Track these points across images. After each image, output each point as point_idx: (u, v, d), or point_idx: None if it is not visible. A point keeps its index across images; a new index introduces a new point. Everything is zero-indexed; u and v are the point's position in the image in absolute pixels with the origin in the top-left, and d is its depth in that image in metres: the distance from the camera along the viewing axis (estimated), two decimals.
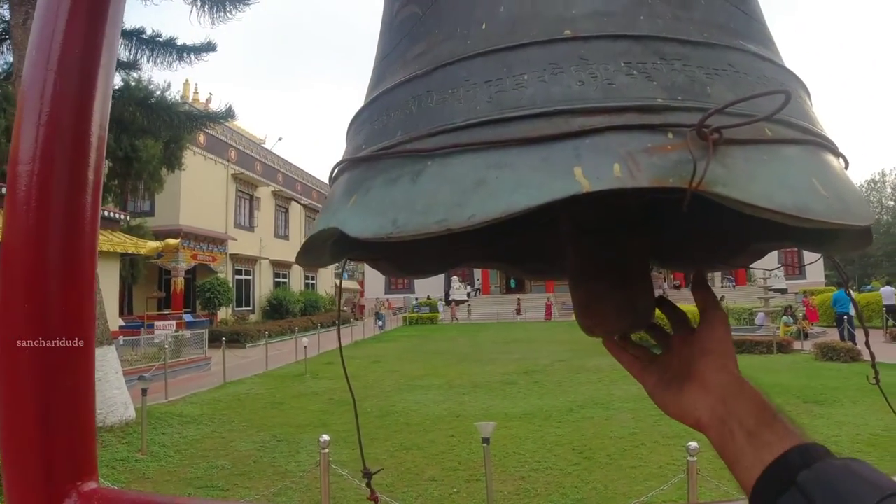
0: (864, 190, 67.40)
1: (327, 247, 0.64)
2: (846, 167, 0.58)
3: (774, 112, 0.42)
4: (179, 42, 9.77)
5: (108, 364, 7.85)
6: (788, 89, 0.45)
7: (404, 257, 0.81)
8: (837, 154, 0.55)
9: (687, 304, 0.78)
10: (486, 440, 4.56)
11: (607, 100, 0.43)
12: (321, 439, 3.75)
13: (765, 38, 0.57)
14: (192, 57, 10.19)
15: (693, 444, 3.42)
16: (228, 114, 11.22)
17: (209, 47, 10.18)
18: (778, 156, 0.44)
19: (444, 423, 8.18)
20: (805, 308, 21.45)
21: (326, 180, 0.67)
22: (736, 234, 0.73)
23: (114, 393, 7.79)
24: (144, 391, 6.92)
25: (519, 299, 39.32)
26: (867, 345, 0.85)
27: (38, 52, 1.06)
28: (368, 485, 0.81)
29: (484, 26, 0.51)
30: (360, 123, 0.61)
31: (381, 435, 7.60)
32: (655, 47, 0.46)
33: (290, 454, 6.81)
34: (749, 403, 0.55)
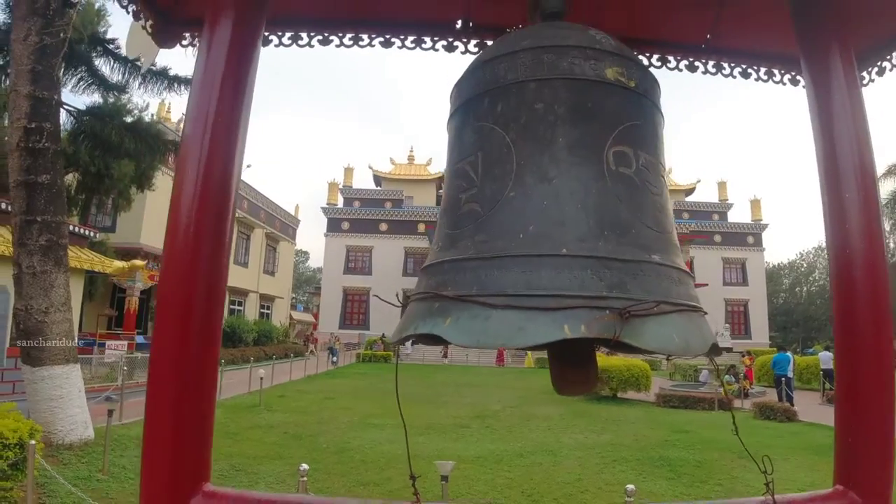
0: (811, 256, 70.99)
1: (415, 336, 1.11)
2: (705, 314, 1.09)
3: (649, 309, 0.92)
4: (172, 72, 10.20)
5: (71, 382, 7.90)
6: (662, 299, 0.95)
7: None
8: (697, 310, 1.05)
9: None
10: (444, 478, 4.94)
11: (581, 291, 0.92)
12: (301, 468, 4.08)
13: (669, 246, 1.08)
14: (182, 87, 10.57)
15: (630, 487, 3.89)
16: None
17: None
18: (658, 321, 0.93)
19: (400, 462, 8.44)
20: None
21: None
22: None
23: (75, 412, 7.81)
24: (111, 412, 7.04)
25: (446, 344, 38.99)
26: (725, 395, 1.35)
27: (192, 126, 1.47)
28: (413, 485, 1.25)
29: (521, 236, 1.00)
30: (442, 272, 1.08)
31: (338, 470, 7.83)
32: (605, 263, 0.95)
33: (249, 484, 6.98)
34: None
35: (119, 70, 10.09)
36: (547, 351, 1.23)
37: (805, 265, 72.28)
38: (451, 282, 1.03)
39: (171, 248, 1.36)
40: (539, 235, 0.98)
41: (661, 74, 1.90)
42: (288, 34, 2.00)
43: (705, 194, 61.09)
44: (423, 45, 1.98)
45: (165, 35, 2.09)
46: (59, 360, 7.89)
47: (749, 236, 50.96)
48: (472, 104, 1.20)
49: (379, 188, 53.75)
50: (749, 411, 15.02)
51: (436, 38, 1.99)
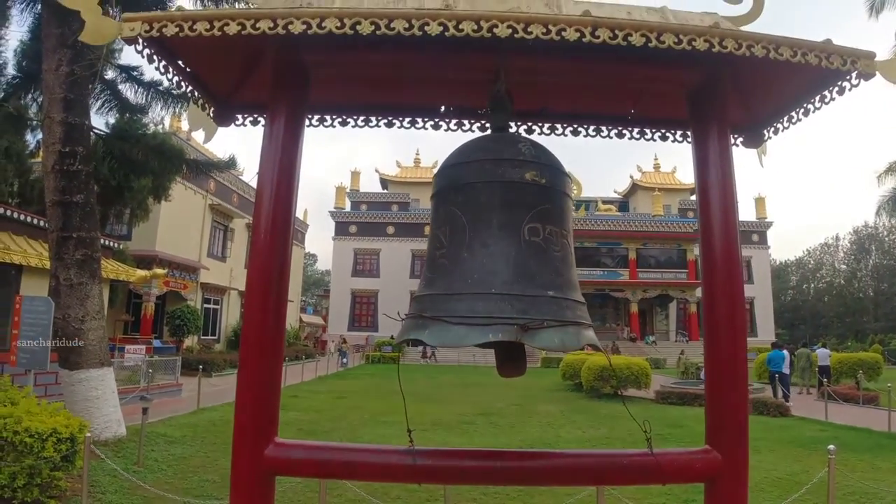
0: (818, 253, 70.88)
1: (408, 340, 1.80)
2: (589, 328, 1.78)
3: (539, 325, 1.61)
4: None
5: (106, 384, 8.65)
6: (550, 318, 1.64)
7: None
8: (580, 324, 1.74)
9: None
10: None
11: (501, 314, 1.61)
12: None
13: (565, 284, 1.77)
14: None
15: None
16: (231, 164, 12.38)
17: None
18: (545, 332, 1.62)
19: None
20: None
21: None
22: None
23: (110, 411, 8.57)
24: (146, 410, 7.78)
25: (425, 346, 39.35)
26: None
27: (264, 177, 2.15)
28: (409, 436, 1.93)
29: (469, 281, 1.70)
30: (424, 301, 1.78)
31: None
32: (517, 298, 1.65)
33: None
34: None
35: (143, 94, 10.84)
36: (494, 350, 1.92)
37: (812, 262, 72.25)
38: (430, 308, 1.73)
39: (252, 277, 2.05)
40: (479, 281, 1.68)
41: None
42: (316, 117, 2.70)
43: None
44: (417, 126, 2.68)
45: (223, 118, 2.77)
46: (94, 363, 8.64)
47: (754, 234, 51.33)
48: (444, 193, 1.90)
49: (385, 191, 54.53)
50: None
51: (426, 119, 2.69)
